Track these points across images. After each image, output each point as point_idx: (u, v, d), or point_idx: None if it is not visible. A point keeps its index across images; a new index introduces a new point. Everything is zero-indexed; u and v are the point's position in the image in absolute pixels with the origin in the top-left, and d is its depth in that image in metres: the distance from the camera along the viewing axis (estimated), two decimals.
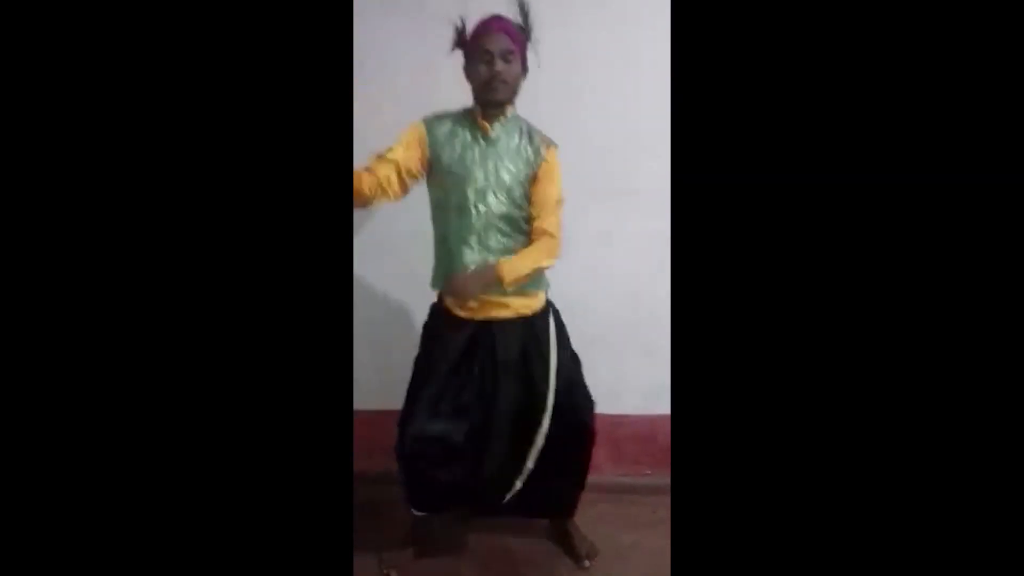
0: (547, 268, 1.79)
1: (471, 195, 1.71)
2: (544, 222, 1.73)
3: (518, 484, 1.90)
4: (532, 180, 1.72)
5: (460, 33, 1.71)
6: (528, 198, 1.73)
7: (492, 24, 1.66)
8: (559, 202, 1.75)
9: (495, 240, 1.73)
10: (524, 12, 1.69)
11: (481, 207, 1.71)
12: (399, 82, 2.17)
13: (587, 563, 2.03)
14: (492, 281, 1.71)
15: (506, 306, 1.79)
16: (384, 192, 1.69)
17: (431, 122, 1.75)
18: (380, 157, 1.70)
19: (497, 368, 1.82)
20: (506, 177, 1.71)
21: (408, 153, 1.71)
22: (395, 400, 2.39)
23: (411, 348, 2.42)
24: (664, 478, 2.39)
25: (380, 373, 2.27)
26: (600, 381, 2.39)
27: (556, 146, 1.75)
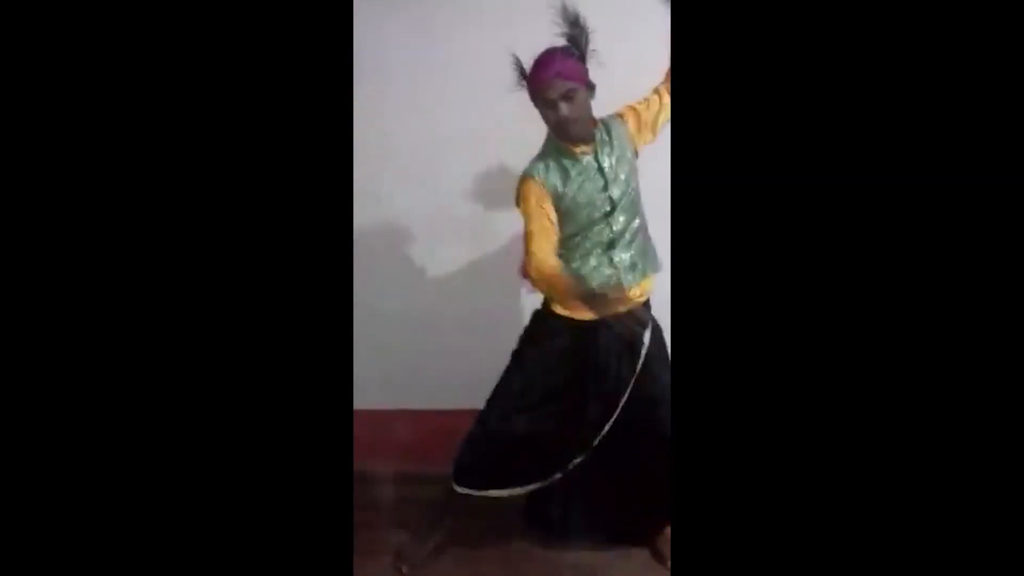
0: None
1: (598, 212, 1.76)
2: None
3: (556, 476, 1.91)
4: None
5: (518, 69, 1.72)
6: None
7: (544, 70, 1.66)
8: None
9: (628, 240, 1.81)
10: (573, 27, 1.70)
11: (612, 219, 1.78)
12: (399, 82, 2.17)
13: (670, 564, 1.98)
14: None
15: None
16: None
17: (538, 171, 1.76)
18: (539, 240, 1.72)
19: (598, 369, 1.85)
20: (618, 188, 1.77)
21: (550, 216, 1.74)
22: (395, 399, 2.40)
23: (412, 348, 2.44)
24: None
25: (381, 372, 2.28)
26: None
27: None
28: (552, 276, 1.70)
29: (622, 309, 1.75)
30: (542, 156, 1.76)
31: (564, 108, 1.65)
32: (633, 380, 1.85)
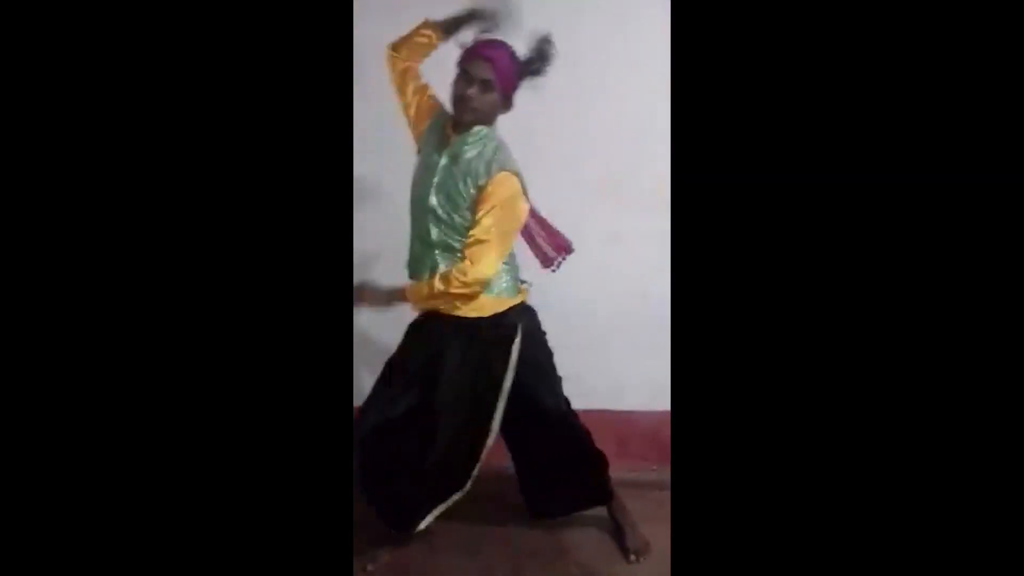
0: (462, 292, 1.73)
1: (423, 192, 1.75)
2: (465, 245, 1.71)
3: (467, 485, 1.92)
4: (477, 198, 1.70)
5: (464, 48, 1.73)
6: (472, 212, 1.72)
7: (480, 49, 1.68)
8: (488, 226, 1.69)
9: (436, 235, 1.76)
10: (539, 51, 1.71)
11: (430, 204, 1.74)
12: None
13: (633, 558, 2.03)
14: (399, 299, 1.76)
15: (456, 307, 1.79)
16: (402, 64, 1.83)
17: (440, 112, 1.82)
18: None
19: (443, 375, 1.83)
20: (452, 184, 1.72)
21: (421, 102, 1.82)
22: None
23: None
24: (666, 473, 2.39)
25: (380, 370, 2.28)
26: (606, 378, 2.40)
27: (513, 172, 1.71)
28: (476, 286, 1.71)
29: (471, 315, 1.76)
30: (446, 114, 1.79)
31: (472, 89, 1.66)
32: (504, 395, 1.84)
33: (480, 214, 1.69)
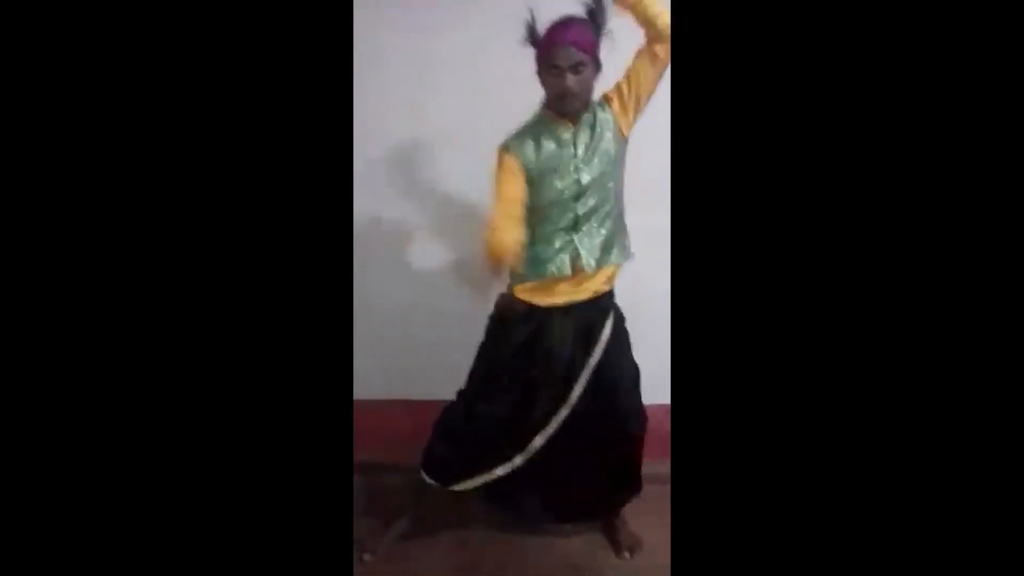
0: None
1: (568, 185, 1.73)
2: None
3: (517, 460, 1.92)
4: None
5: (531, 29, 1.67)
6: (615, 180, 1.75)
7: (560, 36, 1.62)
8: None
9: (591, 212, 1.76)
10: (597, 3, 1.66)
11: (580, 203, 1.74)
12: (398, 79, 2.18)
13: (627, 555, 2.04)
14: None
15: (558, 292, 1.81)
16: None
17: (515, 145, 1.74)
18: (502, 214, 1.68)
19: (549, 355, 1.85)
20: (596, 155, 1.72)
21: (518, 192, 1.71)
22: (394, 390, 2.42)
23: (410, 340, 2.45)
24: (667, 467, 2.39)
25: (380, 363, 2.30)
26: None
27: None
28: (505, 251, 1.64)
29: (583, 296, 1.77)
30: (525, 129, 1.74)
31: (571, 79, 1.62)
32: (589, 367, 1.85)
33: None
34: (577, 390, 1.87)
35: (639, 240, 2.28)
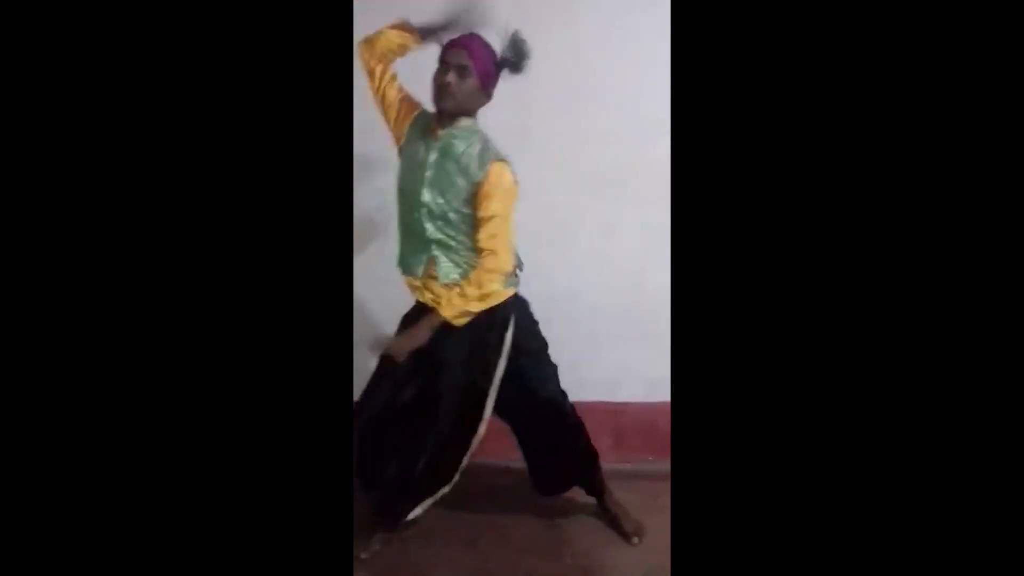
0: (496, 287, 1.78)
1: (414, 187, 1.78)
2: (481, 241, 1.75)
3: (456, 478, 1.95)
4: (474, 194, 1.73)
5: (433, 29, 1.79)
6: (471, 204, 1.75)
7: (459, 39, 1.74)
8: (498, 218, 1.73)
9: (431, 231, 1.78)
10: (514, 45, 1.75)
11: (423, 200, 1.77)
12: (397, 78, 2.18)
13: (636, 540, 2.09)
14: (438, 324, 1.76)
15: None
16: (377, 65, 1.82)
17: (421, 111, 1.85)
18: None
19: (443, 365, 1.85)
20: (445, 179, 1.75)
21: (401, 102, 1.83)
22: None
23: None
24: (666, 465, 2.39)
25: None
26: (602, 370, 2.40)
27: (505, 162, 1.74)
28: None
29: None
30: (429, 113, 1.82)
31: (451, 76, 1.70)
32: (503, 362, 1.88)
33: (484, 212, 1.72)
34: (495, 385, 1.90)
35: (638, 239, 2.30)
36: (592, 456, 2.10)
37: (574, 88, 2.19)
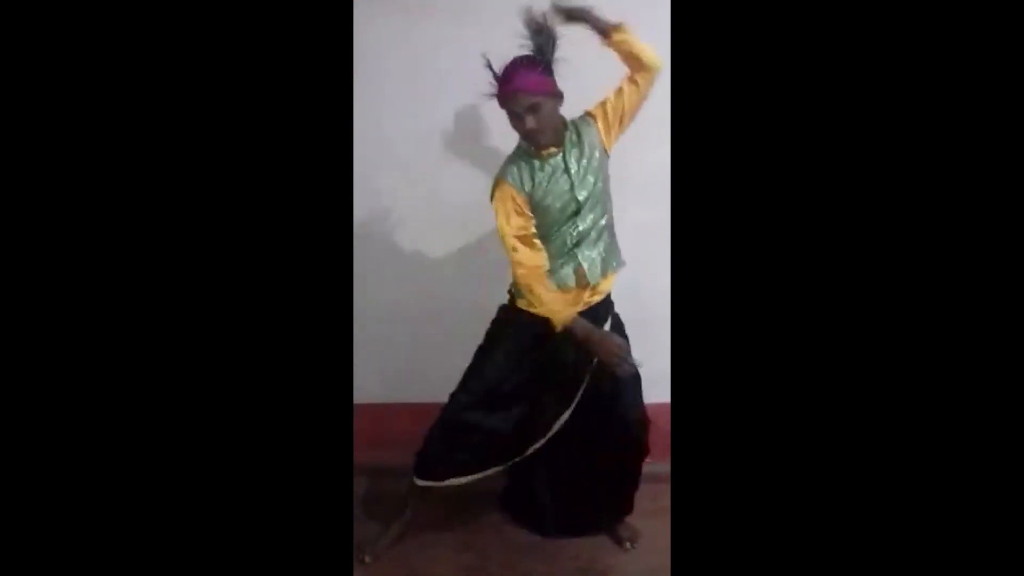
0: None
1: (565, 202, 1.78)
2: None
3: (529, 450, 1.96)
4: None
5: (491, 74, 1.72)
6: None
7: (507, 86, 1.68)
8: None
9: (595, 245, 1.83)
10: (538, 35, 1.71)
11: (579, 219, 1.80)
12: (397, 78, 2.19)
13: (628, 545, 2.09)
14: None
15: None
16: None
17: (510, 174, 1.79)
18: (522, 241, 1.78)
19: (551, 364, 1.89)
20: (587, 188, 1.78)
21: (525, 217, 1.79)
22: (394, 392, 2.42)
23: (411, 342, 2.45)
24: (665, 466, 2.39)
25: (380, 366, 2.30)
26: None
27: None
28: (538, 279, 1.77)
29: (581, 307, 1.83)
30: (513, 158, 1.80)
31: (529, 121, 1.68)
32: (590, 371, 1.89)
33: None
34: (579, 395, 1.91)
35: (639, 238, 2.29)
36: (629, 503, 2.09)
37: (574, 88, 2.19)
